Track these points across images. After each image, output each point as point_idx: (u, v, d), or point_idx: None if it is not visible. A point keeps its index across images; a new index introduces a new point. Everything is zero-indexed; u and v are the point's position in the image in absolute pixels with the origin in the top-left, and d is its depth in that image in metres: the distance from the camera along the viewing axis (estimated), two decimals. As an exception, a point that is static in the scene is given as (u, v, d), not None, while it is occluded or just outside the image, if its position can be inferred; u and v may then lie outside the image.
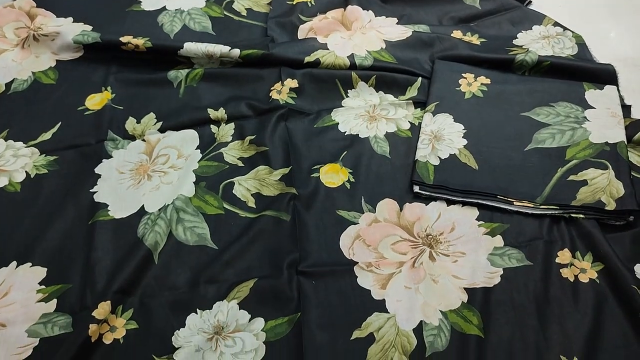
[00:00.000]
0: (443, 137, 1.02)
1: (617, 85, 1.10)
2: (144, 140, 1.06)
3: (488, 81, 1.12)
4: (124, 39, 1.17)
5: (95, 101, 1.14)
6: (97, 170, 1.02)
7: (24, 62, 1.22)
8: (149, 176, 1.00)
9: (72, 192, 0.98)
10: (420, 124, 1.07)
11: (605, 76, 1.11)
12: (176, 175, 1.00)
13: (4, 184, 1.00)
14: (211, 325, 0.81)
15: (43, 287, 0.86)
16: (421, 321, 0.81)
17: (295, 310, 0.82)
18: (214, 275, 0.87)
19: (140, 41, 1.16)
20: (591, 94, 1.07)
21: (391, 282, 0.86)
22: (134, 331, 0.82)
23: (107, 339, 0.81)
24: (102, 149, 1.05)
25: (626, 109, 1.07)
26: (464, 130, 1.03)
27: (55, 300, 0.84)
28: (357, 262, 0.88)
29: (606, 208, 0.90)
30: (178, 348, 0.79)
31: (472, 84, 1.12)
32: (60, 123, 1.10)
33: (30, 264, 0.89)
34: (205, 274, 0.87)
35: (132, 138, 1.07)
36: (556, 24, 1.26)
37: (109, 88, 1.16)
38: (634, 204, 0.89)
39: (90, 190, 0.99)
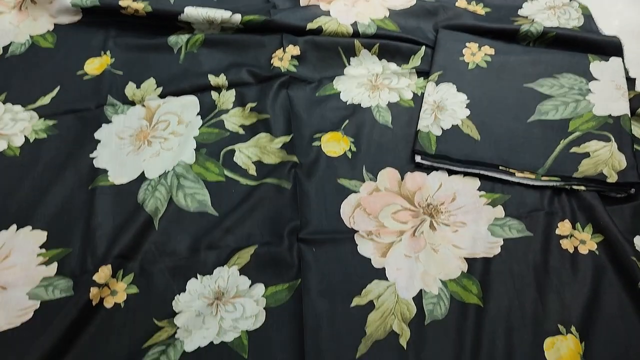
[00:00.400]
0: (446, 108, 1.02)
1: (622, 57, 1.09)
2: (143, 105, 1.05)
3: (492, 51, 1.10)
4: (123, 3, 1.15)
5: (94, 66, 1.12)
6: (96, 135, 1.01)
7: (22, 25, 1.20)
8: (149, 142, 1.00)
9: (72, 157, 0.98)
10: (423, 93, 1.06)
11: (611, 48, 1.10)
12: (176, 142, 1.00)
13: (3, 148, 0.99)
14: (212, 290, 0.82)
15: (43, 250, 0.86)
16: (421, 290, 0.82)
17: (295, 277, 0.83)
18: (215, 241, 0.87)
19: (140, 5, 1.14)
20: (596, 66, 1.06)
21: (391, 250, 0.86)
22: (134, 295, 0.82)
23: (108, 303, 0.81)
24: (101, 114, 1.04)
25: (631, 81, 1.06)
26: (467, 101, 1.03)
27: (55, 264, 0.84)
28: (358, 231, 0.88)
29: (608, 180, 0.89)
30: (179, 312, 0.80)
31: (475, 54, 1.10)
32: (59, 87, 1.08)
33: (30, 227, 0.88)
34: (206, 240, 0.87)
35: (132, 103, 1.06)
36: (562, -6, 1.24)
37: (108, 53, 1.14)
38: (635, 177, 0.89)
39: (90, 156, 0.98)
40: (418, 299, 0.81)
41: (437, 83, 1.06)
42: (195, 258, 0.85)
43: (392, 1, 1.21)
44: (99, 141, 1.00)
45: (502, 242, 0.86)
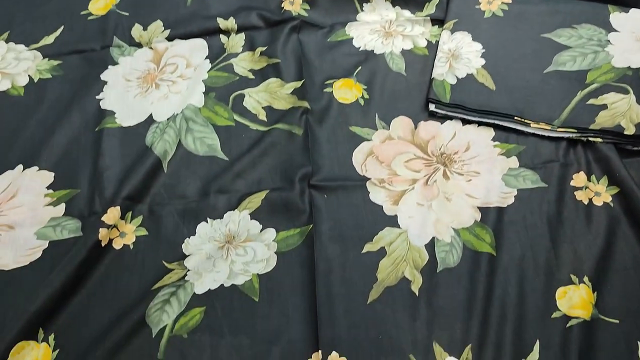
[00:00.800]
0: (461, 56, 0.99)
1: (643, 8, 1.06)
2: (151, 48, 1.03)
3: (509, 0, 1.07)
4: (129, -57, 1.10)
5: (99, 6, 1.09)
6: (102, 76, 0.99)
7: (23, -37, 1.16)
8: (157, 85, 0.97)
9: (78, 98, 0.96)
10: (437, 42, 1.04)
11: (632, -1, 1.07)
12: (185, 85, 0.97)
13: (7, 87, 0.97)
14: (222, 234, 0.81)
15: (51, 191, 0.85)
16: (433, 237, 0.81)
17: (307, 223, 0.82)
18: (225, 185, 0.86)
19: (146, -57, 1.10)
20: (616, 17, 1.03)
21: (404, 198, 0.85)
22: (143, 238, 0.81)
23: (117, 244, 0.80)
24: (107, 55, 1.01)
25: (651, 33, 1.04)
26: (483, 50, 1.00)
27: (63, 205, 0.83)
28: (370, 178, 0.87)
29: (625, 132, 0.88)
30: (188, 255, 0.79)
31: (492, 2, 1.07)
32: (63, 27, 1.06)
33: (37, 168, 0.87)
34: (216, 184, 0.86)
35: (139, 45, 1.03)
36: (584, -57, 1.20)
37: (113, -8, 1.11)
38: (653, 129, 0.88)
39: (97, 97, 0.96)
40: (430, 246, 0.80)
41: (452, 31, 1.03)
42: (205, 202, 0.84)
43: (407, -54, 1.17)
44: (105, 82, 0.98)
45: (515, 193, 0.85)
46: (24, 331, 0.71)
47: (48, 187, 0.85)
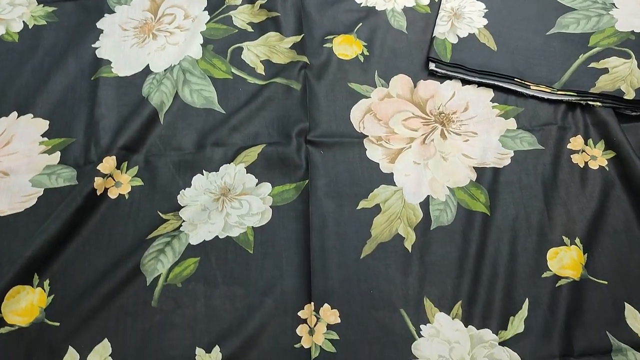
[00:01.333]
0: (463, 16, 0.98)
1: (650, -28, 1.04)
2: (148, -3, 1.01)
3: (515, -41, 1.05)
4: None
5: (95, -48, 1.06)
6: (99, 25, 0.97)
7: None
8: (154, 35, 0.96)
9: (73, 46, 0.94)
10: (439, 0, 1.02)
11: (639, -38, 1.05)
12: (183, 36, 0.96)
13: (1, 32, 0.95)
14: (218, 186, 0.81)
15: (46, 139, 0.84)
16: (428, 196, 0.81)
17: (303, 178, 0.82)
18: (221, 138, 0.85)
19: None
20: (622, -20, 1.02)
21: (400, 156, 0.85)
22: (139, 188, 0.81)
23: (113, 194, 0.80)
24: (103, 3, 1.00)
25: (657, -2, 1.02)
26: (485, 10, 0.99)
27: (58, 153, 0.83)
28: (367, 136, 0.86)
29: (625, 97, 0.87)
30: (184, 206, 0.79)
31: (498, -39, 1.05)
32: (58, -27, 1.03)
33: (31, 115, 0.86)
34: (212, 136, 0.85)
35: (136, -6, 1.01)
36: None
37: (109, -61, 1.08)
38: (653, 95, 0.87)
39: (92, 46, 0.94)
40: (425, 204, 0.81)
41: (455, -11, 1.02)
42: (201, 154, 0.84)
43: None
44: (101, 31, 0.96)
45: (512, 154, 0.85)
46: (19, 276, 0.72)
47: (43, 135, 0.84)
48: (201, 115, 0.88)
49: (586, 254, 0.76)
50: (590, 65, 0.91)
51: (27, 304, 0.71)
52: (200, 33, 0.96)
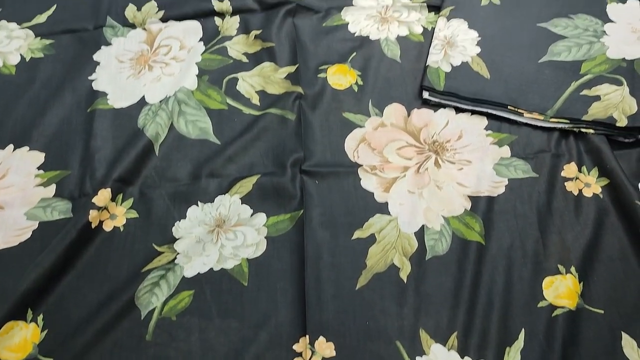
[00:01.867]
0: (456, 44, 0.99)
1: (640, -1, 1.06)
2: (144, 29, 1.02)
3: (506, -12, 1.07)
4: None
5: (93, -16, 1.08)
6: (95, 57, 0.98)
7: (16, -61, 1.14)
8: (150, 67, 0.97)
9: (70, 78, 0.95)
10: (433, 29, 1.03)
11: (630, -10, 1.07)
12: (178, 67, 0.97)
13: (-2, 65, 0.96)
14: (212, 217, 0.81)
15: (41, 172, 0.85)
16: (423, 225, 0.81)
17: (297, 208, 0.82)
18: (216, 169, 0.86)
19: None
20: (613, 8, 1.03)
21: (395, 185, 0.85)
22: (134, 220, 0.81)
23: (107, 226, 0.80)
24: (100, 36, 1.01)
25: (647, 25, 1.03)
26: (478, 38, 1.00)
27: (54, 186, 0.83)
28: (362, 165, 0.87)
29: (617, 124, 0.88)
30: (178, 238, 0.79)
31: (489, -10, 1.06)
32: (55, 6, 1.05)
33: (27, 148, 0.87)
34: (207, 167, 0.86)
35: (132, 26, 1.03)
36: None
37: (107, -28, 1.10)
38: (645, 121, 0.88)
39: (89, 78, 0.95)
40: (420, 234, 0.81)
41: (448, 18, 1.03)
42: (196, 185, 0.84)
43: None
44: (98, 63, 0.97)
45: (506, 182, 0.85)
46: (13, 311, 0.72)
47: (39, 168, 0.85)
48: (196, 146, 0.88)
49: (582, 283, 0.76)
50: (582, 93, 0.92)
51: (20, 340, 0.71)
52: (196, 64, 0.97)
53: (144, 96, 0.93)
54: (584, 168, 0.87)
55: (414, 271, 0.78)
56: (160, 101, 0.92)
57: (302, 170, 0.85)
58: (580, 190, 0.85)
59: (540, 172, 0.86)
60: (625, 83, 0.92)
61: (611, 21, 1.01)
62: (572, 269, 0.77)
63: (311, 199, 0.83)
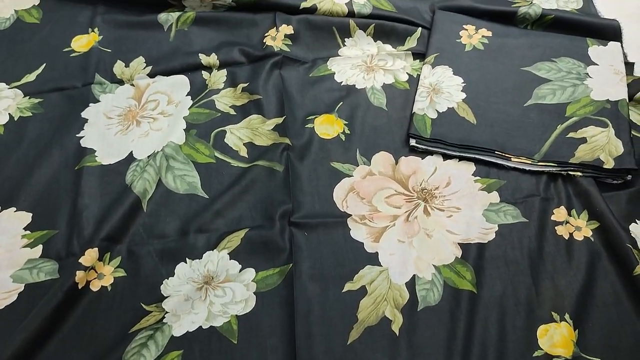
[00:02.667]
0: (442, 90, 1.00)
1: (621, 41, 1.07)
2: (132, 85, 1.03)
3: (489, 34, 1.08)
4: (112, -22, 1.11)
5: (81, 43, 1.09)
6: (83, 114, 0.98)
7: (6, -1, 1.17)
8: (138, 122, 0.97)
9: (58, 137, 0.95)
10: (418, 75, 1.04)
11: (610, 32, 1.08)
12: (166, 122, 0.97)
13: (-13, 126, 0.97)
14: (201, 274, 0.80)
15: (28, 232, 0.84)
16: (414, 275, 0.81)
17: (286, 262, 0.81)
18: (204, 224, 0.85)
19: (129, -20, 1.11)
20: (594, 50, 1.05)
21: (384, 235, 0.84)
22: (122, 279, 0.80)
23: (95, 286, 0.79)
24: (89, 93, 1.01)
25: (629, 66, 1.05)
26: (463, 84, 1.01)
27: (40, 246, 0.83)
28: (351, 215, 0.86)
29: (604, 166, 0.88)
30: (167, 297, 0.78)
31: (472, 36, 1.08)
32: (44, 65, 1.06)
33: (14, 208, 0.86)
34: (195, 223, 0.85)
35: (121, 82, 1.03)
36: (561, -24, 1.22)
37: (96, 29, 1.11)
38: (632, 163, 0.88)
39: (77, 135, 0.96)
40: (411, 284, 0.80)
41: (433, 65, 1.04)
42: (185, 241, 0.84)
43: (388, -19, 1.18)
44: (86, 120, 0.98)
45: (496, 228, 0.85)
46: (-2, 377, 0.70)
47: (25, 228, 0.84)
48: (184, 201, 0.88)
49: (577, 330, 0.75)
50: (568, 135, 0.93)
51: (6, 408, 0.69)
52: (184, 118, 0.97)
53: (132, 152, 0.93)
54: (573, 211, 0.86)
55: (406, 323, 0.76)
56: (148, 156, 0.92)
57: (290, 223, 0.85)
58: (571, 234, 0.84)
59: (530, 217, 0.86)
60: (610, 125, 0.93)
61: (594, 63, 1.03)
62: (567, 316, 0.76)
63: (300, 252, 0.82)
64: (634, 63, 1.05)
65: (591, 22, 1.10)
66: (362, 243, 0.84)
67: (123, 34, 1.11)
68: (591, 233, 0.84)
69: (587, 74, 1.01)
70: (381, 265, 0.82)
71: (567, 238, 0.84)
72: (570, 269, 0.81)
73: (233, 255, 0.82)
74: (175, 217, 0.86)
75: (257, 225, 0.85)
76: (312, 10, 1.11)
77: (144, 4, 1.14)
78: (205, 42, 1.09)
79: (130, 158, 0.92)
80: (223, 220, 0.86)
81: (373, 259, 0.82)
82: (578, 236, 0.84)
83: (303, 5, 1.11)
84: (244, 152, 0.94)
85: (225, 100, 1.00)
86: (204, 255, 0.82)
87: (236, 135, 0.95)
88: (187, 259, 0.82)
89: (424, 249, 0.83)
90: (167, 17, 1.12)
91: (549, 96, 0.98)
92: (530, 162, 0.91)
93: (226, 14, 1.13)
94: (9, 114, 0.98)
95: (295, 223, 0.85)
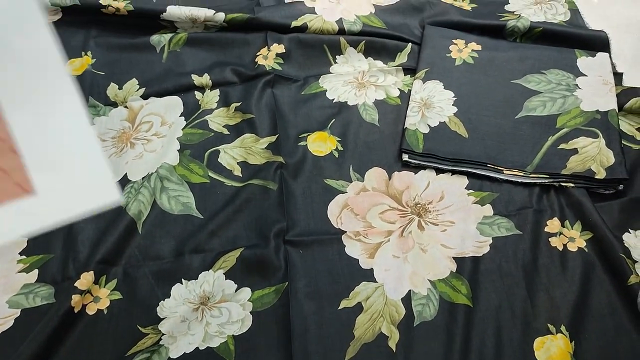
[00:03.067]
0: (433, 105, 1.01)
1: (609, 52, 1.08)
2: (126, 107, 1.03)
3: (479, 47, 1.09)
4: (103, 2, 1.12)
5: (75, 66, 1.10)
6: (78, 138, 0.99)
7: (0, 25, 1.17)
8: (132, 144, 0.98)
9: (53, 160, 0.96)
10: (409, 91, 1.05)
11: (598, 43, 1.09)
12: (160, 143, 0.98)
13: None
14: (197, 295, 0.80)
15: (24, 257, 0.84)
16: (409, 290, 0.81)
17: (282, 280, 0.81)
18: (200, 244, 0.85)
19: (121, 4, 1.12)
20: (583, 61, 1.06)
21: (379, 251, 0.85)
22: (117, 302, 0.80)
23: (91, 310, 0.79)
24: (82, 116, 1.02)
25: (618, 76, 1.06)
26: (454, 98, 1.02)
27: (36, 271, 0.83)
28: (345, 231, 0.87)
29: (596, 177, 0.89)
30: (163, 319, 0.78)
31: (462, 50, 1.09)
32: (38, 89, 1.06)
33: (10, 233, 0.86)
34: (191, 243, 0.86)
35: (114, 105, 1.04)
36: (548, -11, 1.23)
37: (89, 53, 1.12)
38: (623, 173, 0.88)
39: (72, 159, 0.96)
40: (407, 300, 0.80)
41: (424, 80, 1.05)
42: (180, 262, 0.84)
43: (378, -3, 1.20)
44: (80, 144, 0.98)
45: (491, 241, 0.85)
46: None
47: (21, 253, 0.84)
48: (179, 222, 0.88)
49: (573, 342, 0.75)
50: (559, 147, 0.93)
51: None
52: (177, 139, 0.98)
53: (126, 174, 0.94)
54: (567, 222, 0.87)
55: (403, 339, 0.77)
56: (143, 178, 0.92)
57: (285, 241, 0.85)
58: (564, 245, 0.85)
59: (524, 229, 0.87)
60: (600, 135, 0.94)
61: (583, 74, 1.03)
62: (562, 327, 0.76)
63: (296, 270, 0.82)
64: (622, 73, 1.06)
65: (579, 34, 1.11)
66: (357, 259, 0.84)
67: (116, 57, 1.11)
68: (585, 244, 0.84)
69: (577, 85, 1.02)
70: (377, 282, 0.82)
71: (561, 249, 0.84)
72: (565, 280, 0.81)
73: (229, 274, 0.82)
74: (171, 238, 0.87)
75: (252, 245, 0.85)
76: (303, 28, 1.12)
77: (137, 27, 1.15)
78: (198, 63, 1.10)
79: (125, 180, 0.93)
80: (218, 240, 0.86)
81: (368, 275, 0.82)
82: (572, 247, 0.84)
83: (294, 24, 1.12)
84: (237, 172, 0.94)
85: (219, 120, 1.01)
86: (199, 275, 0.82)
87: (230, 155, 0.96)
88: (182, 279, 0.82)
89: (419, 264, 0.83)
90: (160, 39, 1.13)
91: (540, 108, 0.99)
92: (522, 174, 0.91)
93: (218, 34, 1.14)
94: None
95: (290, 241, 0.85)
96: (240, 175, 0.94)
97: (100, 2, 1.12)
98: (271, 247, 0.84)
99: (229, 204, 0.90)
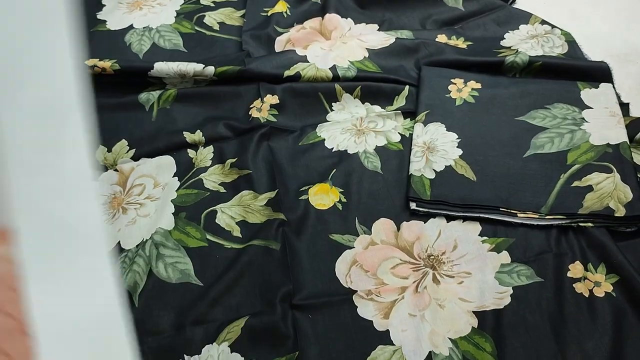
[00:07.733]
0: (436, 148, 0.96)
1: (612, 82, 1.05)
2: (116, 170, 0.99)
3: (479, 86, 1.06)
4: (89, 62, 1.09)
5: (61, 131, 1.06)
6: (67, 206, 0.94)
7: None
8: (124, 209, 0.93)
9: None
10: (411, 135, 1.01)
11: (600, 74, 1.06)
12: (153, 207, 0.93)
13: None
14: (201, 373, 0.74)
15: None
16: (430, 352, 0.75)
17: (292, 349, 0.75)
18: (201, 315, 0.80)
19: (107, 64, 1.08)
20: (587, 93, 1.02)
21: (394, 310, 0.79)
22: (115, 385, 0.74)
23: (86, 397, 0.73)
24: (71, 184, 0.97)
25: (624, 107, 1.02)
26: (458, 140, 0.98)
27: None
28: (356, 291, 0.81)
29: (615, 214, 0.84)
30: (166, 401, 0.72)
31: (462, 89, 1.06)
32: (24, 156, 1.02)
33: None
34: (191, 314, 0.80)
35: (104, 168, 0.99)
36: (543, 22, 1.21)
37: (75, 115, 1.08)
38: (644, 209, 0.84)
39: (60, 229, 0.91)
40: (428, 362, 0.74)
41: (425, 123, 1.01)
42: (181, 336, 0.78)
43: (370, 41, 1.17)
44: (69, 212, 0.93)
45: (511, 291, 0.80)
46: None
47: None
48: (178, 291, 0.83)
49: (612, 399, 0.69)
50: (573, 185, 0.89)
51: None
52: (171, 201, 0.93)
53: (119, 242, 0.88)
54: (590, 265, 0.82)
55: (428, 407, 0.70)
56: (137, 246, 0.87)
57: (292, 305, 0.80)
58: (590, 291, 0.79)
59: (545, 276, 0.81)
60: (615, 170, 0.89)
61: (588, 107, 1.00)
62: (599, 383, 0.71)
63: (306, 337, 0.76)
64: (628, 103, 1.03)
65: (580, 66, 1.08)
66: (371, 321, 0.78)
67: (103, 118, 1.07)
68: (612, 288, 0.79)
69: (583, 118, 0.98)
70: (394, 344, 0.76)
71: (587, 295, 0.79)
72: (596, 330, 0.76)
73: (234, 347, 0.76)
74: (170, 310, 0.81)
75: (257, 312, 0.79)
76: (296, 78, 1.08)
77: (123, 85, 1.11)
78: (189, 119, 1.06)
79: (118, 249, 0.88)
80: (221, 308, 0.80)
81: (384, 338, 0.77)
82: (599, 292, 0.79)
83: (286, 73, 1.08)
84: (237, 232, 0.89)
85: (214, 177, 0.96)
86: (202, 349, 0.76)
87: (228, 215, 0.91)
88: (185, 355, 0.76)
89: (438, 322, 0.78)
90: (148, 97, 1.09)
91: (548, 145, 0.95)
92: (537, 216, 0.87)
93: (208, 88, 1.10)
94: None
95: (298, 305, 0.80)
96: (240, 236, 0.89)
97: (85, 63, 1.09)
98: (278, 314, 0.78)
99: (229, 268, 0.84)
